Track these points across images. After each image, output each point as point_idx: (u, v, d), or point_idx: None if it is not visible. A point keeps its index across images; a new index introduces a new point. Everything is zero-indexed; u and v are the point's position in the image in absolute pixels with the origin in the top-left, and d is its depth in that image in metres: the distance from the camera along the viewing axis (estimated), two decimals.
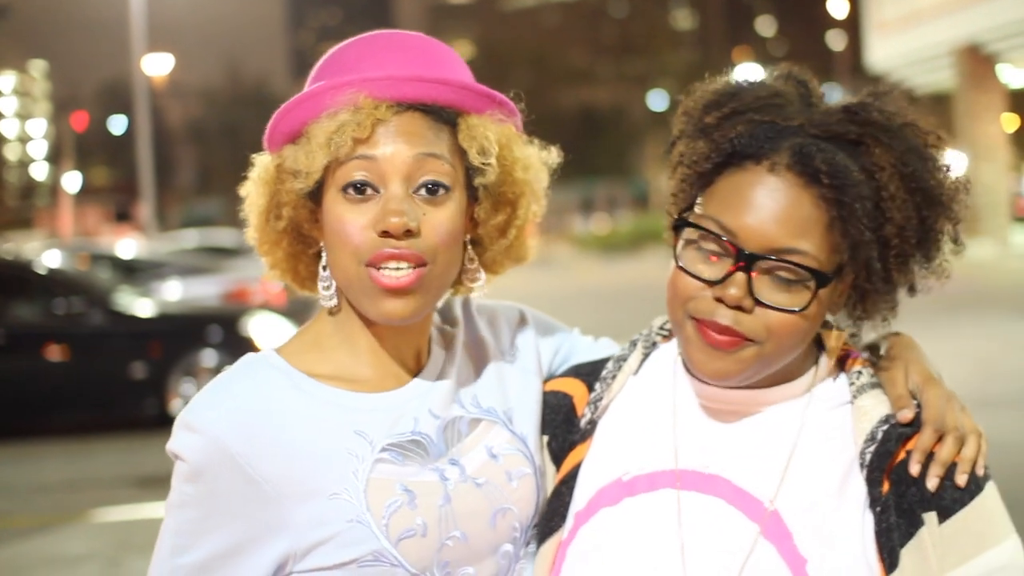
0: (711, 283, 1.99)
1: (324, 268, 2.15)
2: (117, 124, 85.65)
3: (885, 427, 2.02)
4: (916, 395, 2.07)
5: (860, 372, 2.12)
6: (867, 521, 2.00)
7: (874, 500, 2.00)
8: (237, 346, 14.59)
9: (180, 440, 2.06)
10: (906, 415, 2.02)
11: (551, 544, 2.16)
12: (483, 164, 2.12)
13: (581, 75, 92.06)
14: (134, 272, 22.67)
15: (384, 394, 2.16)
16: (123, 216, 77.63)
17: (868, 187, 1.99)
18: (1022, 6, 33.60)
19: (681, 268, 2.03)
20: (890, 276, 2.07)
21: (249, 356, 2.17)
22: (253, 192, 2.18)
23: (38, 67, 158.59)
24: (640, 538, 2.06)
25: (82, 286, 15.68)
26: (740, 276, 1.96)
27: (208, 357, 14.72)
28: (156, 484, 11.86)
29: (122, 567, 9.21)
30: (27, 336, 15.01)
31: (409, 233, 2.03)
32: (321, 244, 2.15)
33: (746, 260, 1.96)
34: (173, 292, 21.13)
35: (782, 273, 1.97)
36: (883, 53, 42.59)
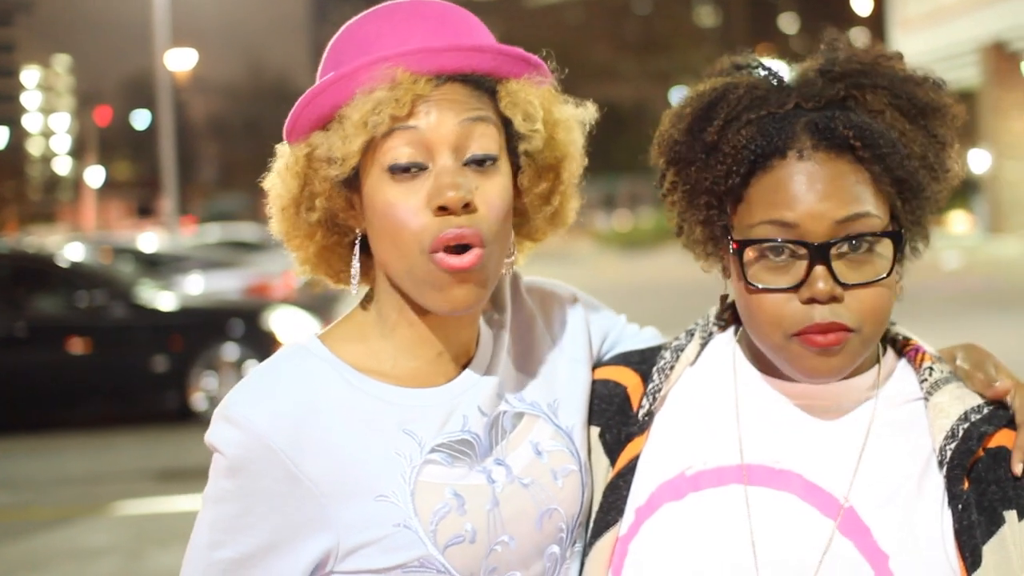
0: (794, 288, 1.92)
1: (355, 257, 2.05)
2: (140, 119, 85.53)
3: (966, 425, 1.98)
4: (1007, 398, 2.04)
5: (931, 368, 2.07)
6: (946, 518, 1.96)
7: (954, 497, 1.95)
8: (259, 340, 14.65)
9: (219, 433, 1.96)
10: (1001, 388, 2.02)
11: (607, 539, 2.08)
12: (530, 131, 2.01)
13: (604, 71, 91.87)
14: (156, 266, 22.74)
15: (433, 390, 2.05)
16: (145, 211, 77.81)
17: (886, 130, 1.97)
18: None
19: (757, 289, 1.95)
20: (927, 202, 2.03)
21: (293, 345, 2.07)
22: (279, 185, 2.04)
23: (62, 62, 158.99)
24: (709, 534, 2.00)
25: (104, 279, 15.70)
26: (820, 269, 1.90)
27: (230, 351, 14.72)
28: (177, 478, 11.89)
29: (143, 560, 9.22)
30: (49, 329, 15.03)
31: (467, 207, 1.92)
32: (357, 232, 2.04)
33: (819, 251, 1.90)
34: (195, 286, 21.13)
35: (855, 246, 1.92)
36: (907, 51, 41.46)
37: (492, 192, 1.96)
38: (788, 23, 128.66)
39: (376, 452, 1.98)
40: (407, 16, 2.01)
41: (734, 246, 1.99)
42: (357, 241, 2.05)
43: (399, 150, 1.93)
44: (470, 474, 2.01)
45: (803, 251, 1.91)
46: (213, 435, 1.98)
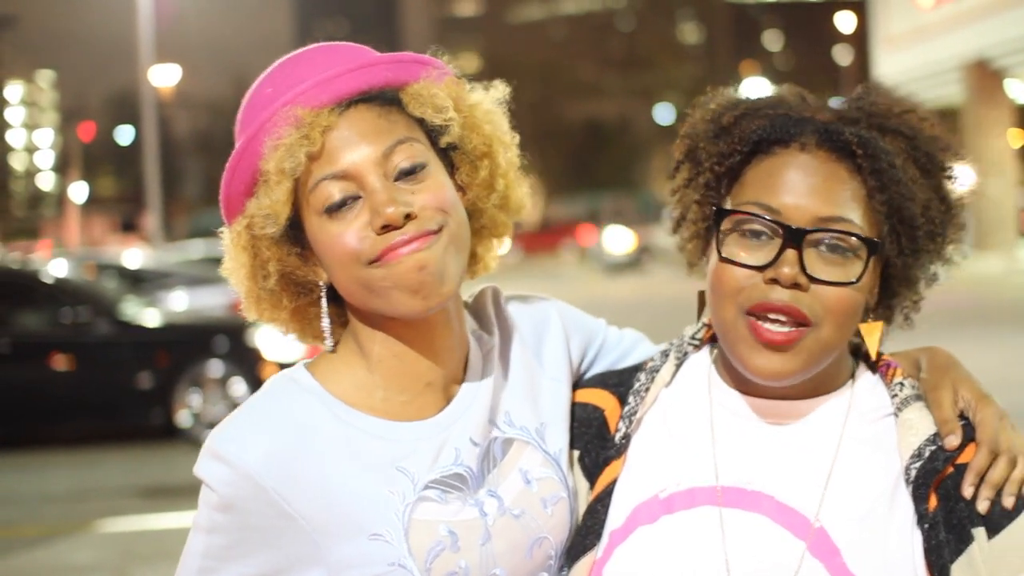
0: (761, 267, 1.94)
1: (323, 311, 2.08)
2: (124, 135, 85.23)
3: (932, 447, 1.98)
4: (967, 413, 2.04)
5: (902, 384, 2.08)
6: (916, 537, 1.96)
7: (921, 517, 1.96)
8: (244, 357, 14.63)
9: (208, 469, 1.96)
10: (952, 442, 1.98)
11: (584, 563, 2.08)
12: (445, 121, 2.03)
13: (588, 88, 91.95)
14: (140, 282, 22.64)
15: (424, 423, 2.05)
16: (129, 226, 77.54)
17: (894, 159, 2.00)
18: None
19: (726, 259, 1.98)
20: (919, 257, 2.05)
21: (280, 378, 2.06)
22: (232, 263, 2.08)
23: (45, 77, 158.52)
24: (682, 557, 2.00)
25: (89, 295, 15.64)
26: (791, 253, 1.92)
27: (215, 368, 14.67)
28: (162, 494, 11.85)
29: None
30: (33, 345, 14.97)
31: (409, 217, 1.93)
32: (321, 285, 2.07)
33: (794, 236, 1.93)
34: (179, 302, 21.06)
35: (832, 245, 1.94)
36: (891, 68, 42.53)
37: (430, 189, 1.98)
38: (772, 40, 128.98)
39: (369, 490, 1.98)
40: (296, 63, 2.06)
41: (715, 212, 2.02)
42: (323, 294, 2.07)
43: (330, 192, 1.96)
44: (463, 509, 2.02)
45: (779, 232, 1.94)
46: (203, 470, 1.98)
